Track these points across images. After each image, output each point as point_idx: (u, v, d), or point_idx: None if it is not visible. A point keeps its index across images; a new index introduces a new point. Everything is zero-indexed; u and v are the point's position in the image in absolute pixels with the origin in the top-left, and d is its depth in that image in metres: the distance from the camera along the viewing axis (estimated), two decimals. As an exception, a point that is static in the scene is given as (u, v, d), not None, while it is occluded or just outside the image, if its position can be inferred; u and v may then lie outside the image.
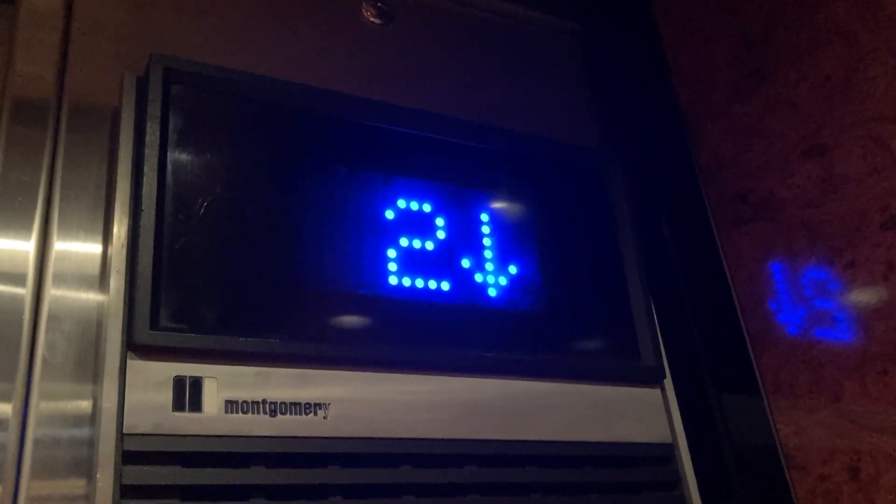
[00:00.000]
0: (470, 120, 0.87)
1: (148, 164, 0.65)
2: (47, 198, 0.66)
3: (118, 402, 0.58)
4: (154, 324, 0.60)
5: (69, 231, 0.65)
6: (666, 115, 1.02)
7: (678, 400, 0.83)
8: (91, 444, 0.58)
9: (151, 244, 0.62)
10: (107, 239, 0.65)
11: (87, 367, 0.61)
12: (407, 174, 0.79)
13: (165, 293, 0.62)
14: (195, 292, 0.64)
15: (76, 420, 0.59)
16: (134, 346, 0.59)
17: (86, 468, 0.58)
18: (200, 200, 0.67)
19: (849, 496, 0.74)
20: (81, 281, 0.64)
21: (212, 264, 0.65)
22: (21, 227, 0.64)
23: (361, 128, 0.79)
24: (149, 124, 0.67)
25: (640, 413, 0.80)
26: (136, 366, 0.59)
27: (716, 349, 0.89)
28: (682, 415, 0.82)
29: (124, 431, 0.57)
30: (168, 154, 0.67)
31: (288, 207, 0.71)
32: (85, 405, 0.60)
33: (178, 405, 0.59)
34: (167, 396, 0.59)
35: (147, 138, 0.66)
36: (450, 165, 0.83)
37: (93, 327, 0.63)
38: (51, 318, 0.61)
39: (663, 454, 0.79)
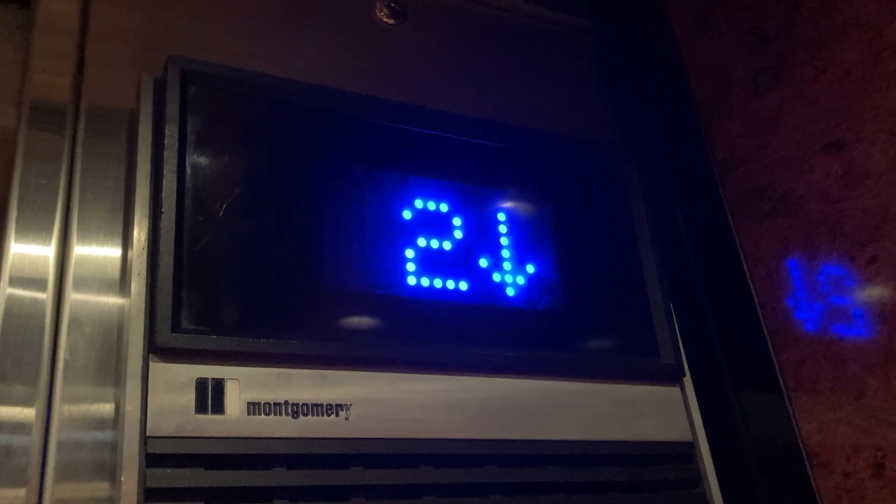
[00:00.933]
0: (485, 118, 0.87)
1: (167, 167, 0.65)
2: (66, 202, 0.66)
3: (141, 404, 0.58)
4: (176, 326, 0.60)
5: (89, 234, 0.66)
6: (681, 111, 1.01)
7: (698, 397, 0.82)
8: (114, 446, 0.58)
9: (172, 246, 0.62)
10: (127, 242, 0.65)
11: (109, 370, 0.61)
12: (424, 174, 0.79)
13: (186, 295, 0.62)
14: (216, 294, 0.64)
15: (99, 423, 0.59)
16: (156, 349, 0.59)
17: (109, 471, 0.58)
18: (220, 202, 0.67)
19: (874, 493, 0.73)
20: (102, 284, 0.64)
21: (232, 266, 0.65)
22: (41, 232, 0.64)
23: (378, 128, 0.79)
24: (167, 126, 0.67)
25: (659, 411, 0.80)
26: (158, 368, 0.59)
27: (735, 346, 0.88)
28: (702, 412, 0.82)
29: (147, 434, 0.57)
30: (186, 156, 0.67)
31: (306, 208, 0.71)
32: (107, 408, 0.60)
33: (201, 407, 0.59)
34: (190, 398, 0.59)
35: (165, 140, 0.66)
36: (466, 164, 0.83)
37: (114, 330, 0.63)
38: (72, 321, 0.62)
39: (684, 452, 0.79)
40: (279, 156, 0.73)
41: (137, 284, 0.62)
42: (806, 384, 0.81)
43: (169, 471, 0.56)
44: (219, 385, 0.60)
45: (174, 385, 0.59)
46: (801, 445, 0.81)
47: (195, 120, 0.69)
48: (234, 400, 0.60)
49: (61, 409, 0.58)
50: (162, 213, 0.64)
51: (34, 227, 0.64)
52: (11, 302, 0.61)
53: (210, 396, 0.60)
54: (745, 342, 0.87)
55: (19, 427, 0.57)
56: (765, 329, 0.86)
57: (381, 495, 0.63)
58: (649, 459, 0.76)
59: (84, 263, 0.64)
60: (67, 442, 0.58)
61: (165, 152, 0.66)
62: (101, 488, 0.57)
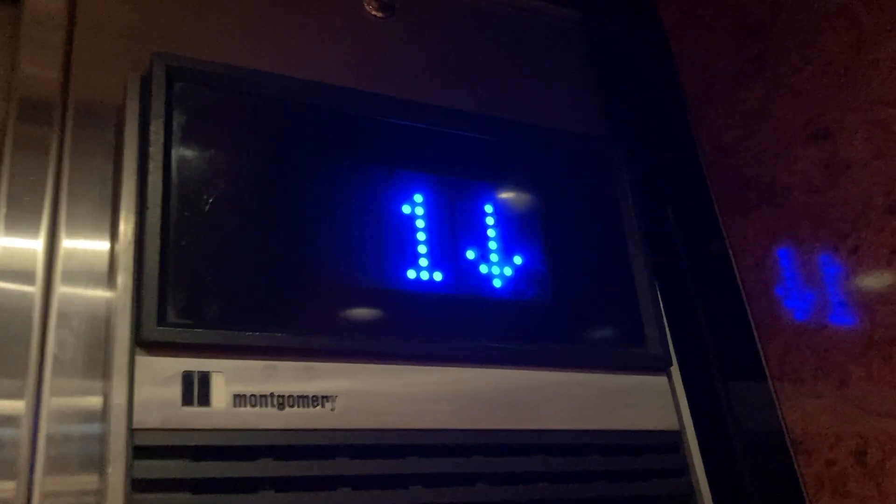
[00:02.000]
0: (473, 111, 0.87)
1: (153, 162, 0.65)
2: (54, 197, 0.67)
3: (127, 397, 0.58)
4: (161, 320, 0.61)
5: (76, 229, 0.66)
6: (669, 103, 1.01)
7: (685, 387, 0.83)
8: (102, 439, 0.59)
9: (158, 241, 0.63)
10: (114, 236, 0.66)
11: (97, 363, 0.62)
12: (409, 167, 0.79)
13: (172, 289, 0.62)
14: (202, 288, 0.64)
15: (87, 416, 0.60)
16: (142, 343, 0.60)
17: (97, 463, 0.58)
18: (206, 197, 0.67)
19: (856, 481, 0.74)
20: (89, 278, 0.65)
21: (217, 260, 0.66)
22: (29, 226, 0.65)
23: (365, 121, 0.79)
24: (152, 122, 0.67)
25: (646, 401, 0.80)
26: (144, 362, 0.60)
27: (722, 336, 0.89)
28: (688, 402, 0.82)
29: (134, 427, 0.57)
30: (173, 151, 0.68)
31: (292, 202, 0.71)
32: (95, 401, 0.60)
33: (187, 400, 0.60)
34: (176, 391, 0.60)
35: (151, 136, 0.66)
36: (453, 157, 0.83)
37: (101, 324, 0.63)
38: (60, 315, 0.62)
39: (670, 441, 0.79)
40: (265, 150, 0.73)
41: (124, 279, 0.62)
42: (790, 373, 0.82)
43: (156, 462, 0.57)
44: (205, 378, 0.61)
45: (160, 378, 0.60)
46: (785, 434, 0.82)
47: (181, 115, 0.69)
48: (220, 392, 0.61)
49: (50, 403, 0.59)
50: (148, 208, 0.64)
51: (22, 222, 0.65)
52: (0, 296, 0.61)
53: (196, 389, 0.60)
54: (732, 332, 0.88)
55: (8, 420, 0.58)
56: (751, 319, 0.87)
57: (368, 486, 0.63)
58: (636, 449, 0.77)
59: (72, 257, 0.65)
60: (56, 435, 0.58)
61: (151, 148, 0.66)
62: (90, 481, 0.58)
